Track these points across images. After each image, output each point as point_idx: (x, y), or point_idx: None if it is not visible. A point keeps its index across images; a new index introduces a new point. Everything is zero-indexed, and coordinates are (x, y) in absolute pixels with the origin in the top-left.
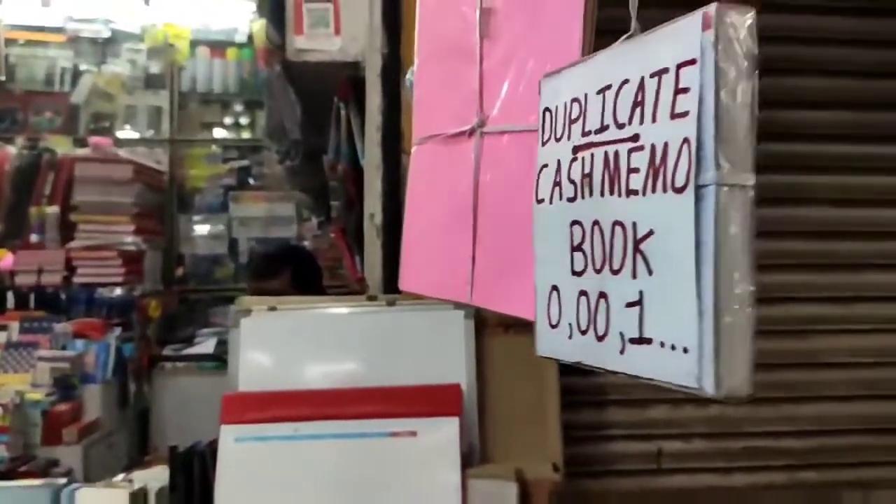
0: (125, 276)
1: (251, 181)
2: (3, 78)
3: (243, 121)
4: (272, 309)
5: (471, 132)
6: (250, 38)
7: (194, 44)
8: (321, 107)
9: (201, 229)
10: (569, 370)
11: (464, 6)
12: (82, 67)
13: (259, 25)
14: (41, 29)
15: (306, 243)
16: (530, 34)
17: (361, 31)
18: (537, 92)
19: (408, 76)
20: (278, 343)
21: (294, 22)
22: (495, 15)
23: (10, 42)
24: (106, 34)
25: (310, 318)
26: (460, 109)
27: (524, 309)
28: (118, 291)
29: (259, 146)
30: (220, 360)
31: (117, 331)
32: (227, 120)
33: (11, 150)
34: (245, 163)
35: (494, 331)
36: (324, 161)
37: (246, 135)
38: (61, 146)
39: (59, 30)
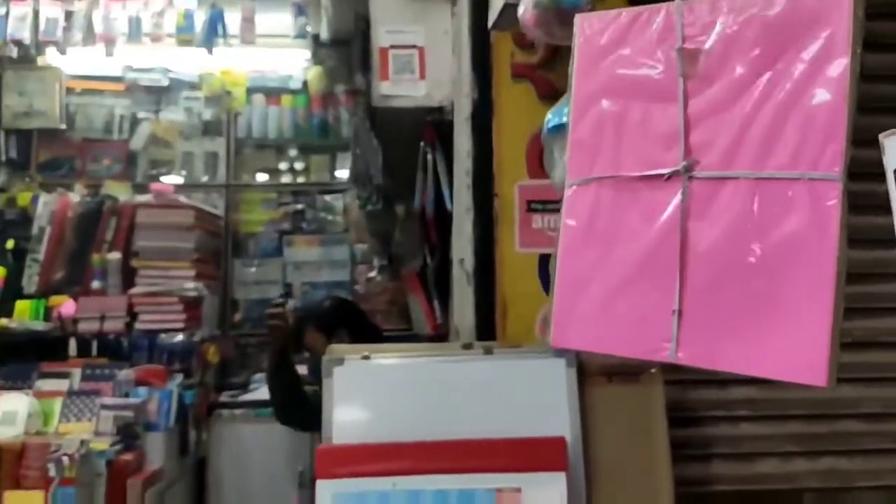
0: (185, 321)
1: (304, 225)
2: (64, 126)
3: (298, 166)
4: (366, 357)
5: (670, 176)
6: (305, 84)
7: (250, 91)
8: (400, 152)
9: (256, 273)
10: (677, 422)
11: (653, 44)
12: (140, 115)
13: (314, 73)
14: (100, 78)
15: (358, 287)
16: (766, 76)
17: (447, 77)
18: (775, 138)
19: (548, 116)
20: (373, 393)
21: (379, 68)
22: (707, 56)
23: (69, 91)
24: (164, 82)
25: (405, 367)
26: (650, 151)
27: (763, 367)
28: (179, 337)
29: (311, 191)
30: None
31: (178, 377)
32: (282, 165)
33: (73, 197)
34: (299, 207)
35: (597, 380)
36: (397, 207)
37: (301, 179)
38: (121, 193)
39: (117, 79)
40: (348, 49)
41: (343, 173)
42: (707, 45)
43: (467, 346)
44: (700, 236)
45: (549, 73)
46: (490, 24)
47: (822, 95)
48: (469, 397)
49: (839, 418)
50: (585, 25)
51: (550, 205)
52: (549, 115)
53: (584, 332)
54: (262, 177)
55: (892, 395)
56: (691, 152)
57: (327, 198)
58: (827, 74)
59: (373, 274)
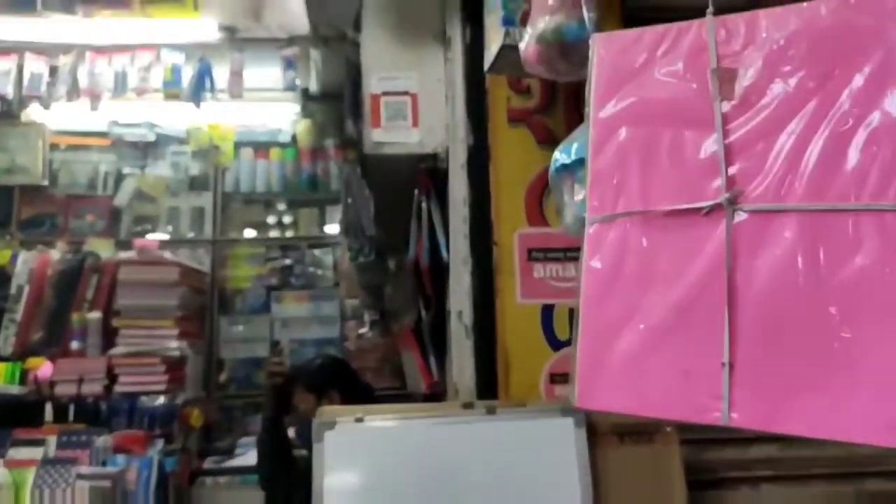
0: (168, 383)
1: (293, 280)
2: (46, 182)
3: (286, 220)
4: (359, 420)
5: (711, 209)
6: (294, 138)
7: (238, 145)
8: (393, 202)
9: (243, 331)
10: (693, 485)
11: (683, 65)
12: (125, 171)
13: (303, 126)
14: (85, 133)
15: (348, 343)
16: (817, 98)
17: (440, 123)
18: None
19: (556, 155)
20: (368, 459)
21: (371, 115)
22: (745, 76)
23: (53, 147)
24: (150, 138)
25: (401, 430)
26: (684, 183)
27: (838, 429)
28: (161, 400)
29: (300, 245)
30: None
31: (160, 443)
32: (271, 219)
33: (54, 254)
34: (288, 262)
35: (608, 440)
36: (389, 259)
37: (289, 234)
38: (104, 249)
39: (102, 134)
40: (338, 102)
41: (333, 227)
42: (744, 65)
43: (468, 406)
44: (750, 277)
45: (547, 117)
46: (486, 67)
47: (887, 117)
48: (471, 462)
49: (864, 476)
50: (602, 46)
51: (552, 253)
52: (556, 154)
53: (615, 391)
54: (249, 232)
55: None
56: (735, 182)
57: (316, 252)
58: (891, 94)
59: (363, 330)
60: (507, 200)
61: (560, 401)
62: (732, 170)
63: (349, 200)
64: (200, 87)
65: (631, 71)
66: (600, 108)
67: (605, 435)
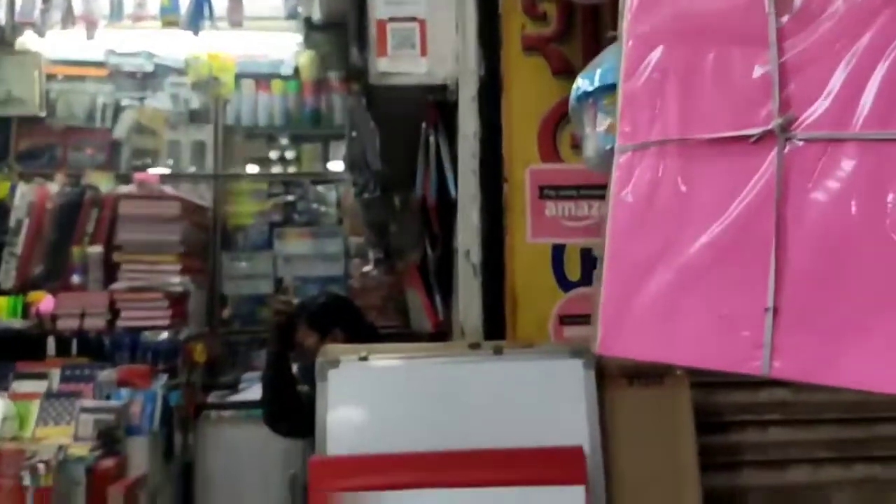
0: (171, 318)
1: (296, 217)
2: (44, 114)
3: (289, 155)
4: (363, 359)
5: (760, 137)
6: (296, 70)
7: (239, 77)
8: (399, 136)
9: (245, 268)
10: (701, 428)
11: None
12: (124, 102)
13: (306, 58)
14: (81, 63)
15: (352, 281)
16: (887, 13)
17: (450, 52)
18: None
19: (578, 82)
20: (372, 398)
21: (377, 43)
22: None
23: (49, 77)
24: (148, 68)
25: (406, 370)
26: (730, 107)
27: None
28: (164, 335)
29: (303, 181)
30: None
31: (163, 378)
32: (273, 154)
33: (53, 187)
34: (290, 198)
35: (617, 382)
36: (395, 195)
37: (292, 169)
38: (103, 183)
39: (99, 64)
40: (342, 32)
41: (336, 164)
42: None
43: (474, 346)
44: (802, 213)
45: (563, 46)
46: None
47: None
48: (477, 402)
49: (875, 422)
50: None
51: (565, 191)
52: (578, 81)
53: (642, 337)
54: (251, 167)
55: None
56: (789, 107)
57: (320, 188)
58: None
59: (368, 268)
60: (519, 135)
61: (569, 342)
62: (786, 93)
63: (354, 134)
64: (199, 15)
65: None
66: (636, 22)
67: (614, 377)
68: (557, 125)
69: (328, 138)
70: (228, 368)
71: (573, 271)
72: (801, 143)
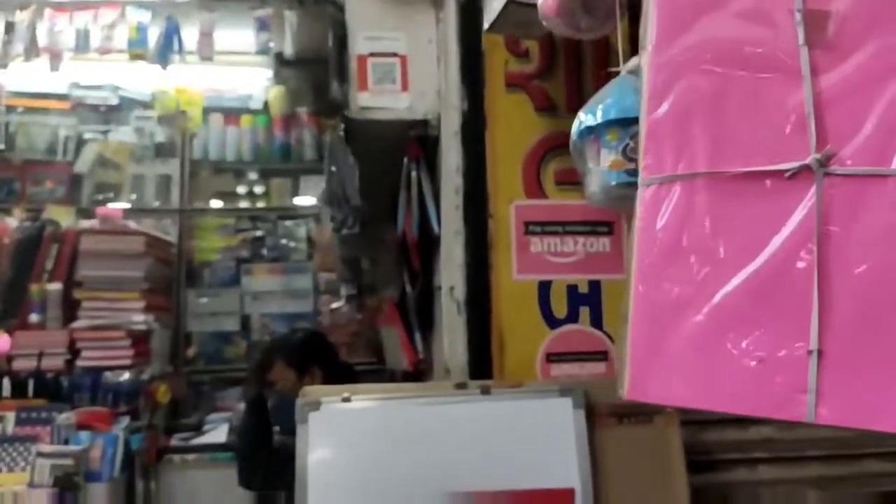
0: (133, 358)
1: (264, 253)
2: (2, 147)
3: (258, 190)
4: (346, 400)
5: (796, 172)
6: (266, 105)
7: (207, 110)
8: (378, 171)
9: (211, 305)
10: (691, 466)
11: (763, 3)
12: (87, 136)
13: (276, 92)
14: (44, 95)
15: (322, 318)
16: None
17: (431, 88)
18: None
19: (580, 116)
20: (355, 440)
21: (357, 77)
22: (838, 20)
23: (10, 109)
24: (114, 101)
25: (391, 411)
26: (762, 140)
27: None
28: (126, 375)
29: (271, 216)
30: (232, 449)
31: (125, 420)
32: (241, 189)
33: (11, 222)
34: (259, 233)
35: (606, 421)
36: (373, 231)
37: (261, 204)
38: (64, 218)
39: (62, 97)
40: (313, 68)
41: (306, 199)
42: (836, 6)
43: (461, 386)
44: (845, 251)
45: (546, 83)
46: (486, 25)
47: None
48: (465, 444)
49: (860, 458)
50: None
51: (550, 227)
52: (580, 116)
53: (675, 382)
54: (218, 202)
55: None
56: (825, 141)
57: (288, 224)
58: None
59: (337, 305)
60: (503, 170)
61: (558, 381)
62: (821, 127)
63: (333, 168)
64: (168, 48)
65: (698, 6)
66: (660, 50)
67: (603, 416)
68: (541, 161)
69: (298, 173)
70: (192, 409)
71: (559, 308)
72: (839, 180)
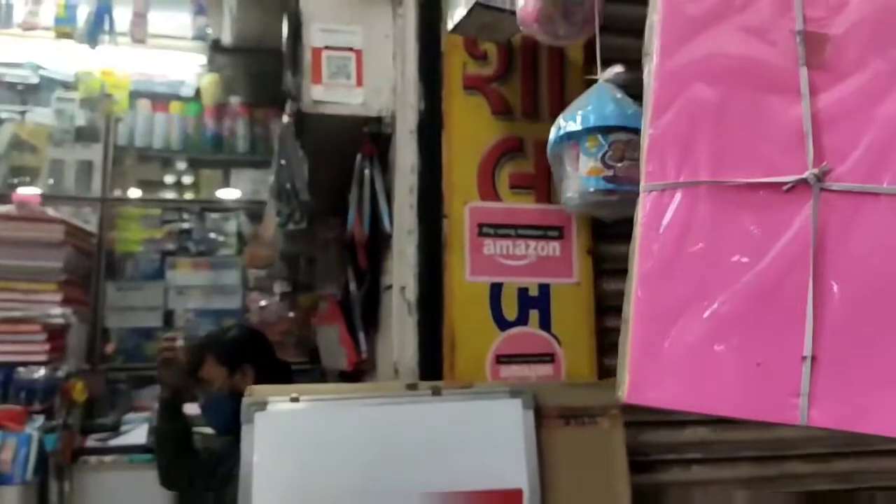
0: (49, 353)
1: (191, 246)
2: None
3: (186, 180)
4: (294, 400)
5: (793, 186)
6: (198, 92)
7: (134, 95)
8: (327, 165)
9: (132, 299)
10: (639, 468)
11: (764, 22)
12: (2, 115)
13: (209, 80)
14: None
15: (250, 315)
16: None
17: (387, 85)
18: None
19: (559, 122)
20: (303, 441)
21: (312, 70)
22: (836, 42)
23: None
24: (33, 80)
25: (340, 411)
26: (762, 153)
27: None
28: (41, 372)
29: (203, 209)
30: (152, 451)
31: (39, 419)
32: (168, 179)
33: None
34: (185, 226)
35: (554, 423)
36: (318, 227)
37: (189, 195)
38: None
39: None
40: (250, 56)
41: (235, 192)
42: (833, 31)
43: (412, 387)
44: (840, 263)
45: (503, 86)
46: (451, 26)
47: None
48: (415, 444)
49: (787, 460)
50: None
51: (503, 229)
52: (559, 122)
53: (674, 386)
54: (143, 191)
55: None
56: (822, 157)
57: (216, 216)
58: None
59: (265, 302)
60: (458, 171)
61: (507, 382)
62: (818, 143)
63: (283, 161)
64: (98, 28)
65: (703, 20)
66: (665, 61)
67: (551, 417)
68: (496, 164)
69: (229, 165)
70: (109, 409)
71: (510, 310)
72: (834, 195)
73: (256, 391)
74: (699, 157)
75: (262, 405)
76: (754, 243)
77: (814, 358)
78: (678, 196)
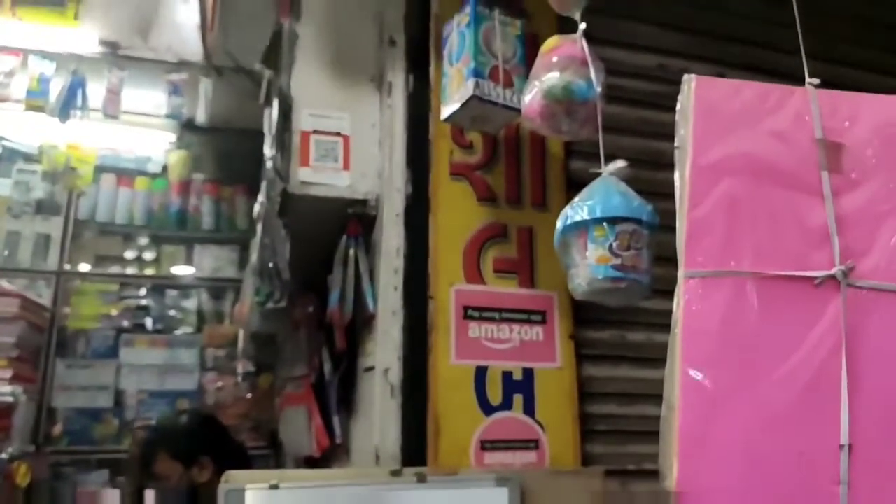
0: None
1: (148, 324)
2: None
3: (148, 256)
4: (274, 487)
5: (823, 280)
6: (164, 168)
7: (99, 170)
8: (306, 245)
9: (82, 377)
10: None
11: (787, 128)
12: None
13: (177, 157)
14: None
15: (206, 397)
16: None
17: (372, 169)
18: None
19: (566, 211)
20: None
21: (300, 152)
22: (853, 152)
23: None
24: None
25: (323, 500)
26: (791, 246)
27: None
28: None
29: (161, 285)
30: None
31: None
32: (129, 254)
33: None
34: (143, 302)
35: None
36: (294, 307)
37: (149, 271)
38: None
39: None
40: (219, 135)
41: (191, 269)
42: (850, 142)
43: (396, 473)
44: (870, 355)
45: (487, 174)
46: (444, 115)
47: None
48: None
49: None
50: (702, 88)
51: (487, 312)
52: (567, 212)
53: (723, 478)
54: (101, 266)
55: None
56: (847, 255)
57: (175, 293)
58: None
59: (221, 383)
60: (444, 254)
61: (493, 468)
62: (843, 242)
63: (266, 240)
64: (70, 102)
65: (734, 120)
66: (699, 155)
67: None
68: (481, 249)
69: (192, 241)
70: (51, 495)
71: (494, 395)
72: (860, 290)
73: (233, 477)
74: (741, 247)
75: (240, 492)
76: (792, 332)
77: (851, 446)
78: (722, 284)
